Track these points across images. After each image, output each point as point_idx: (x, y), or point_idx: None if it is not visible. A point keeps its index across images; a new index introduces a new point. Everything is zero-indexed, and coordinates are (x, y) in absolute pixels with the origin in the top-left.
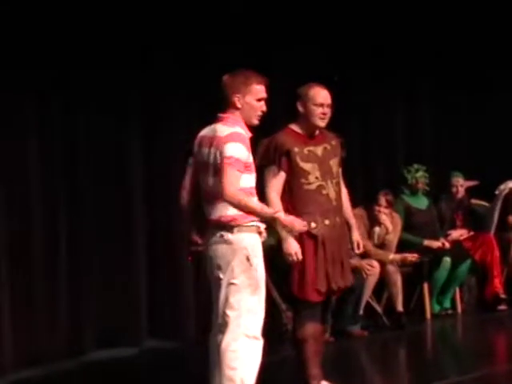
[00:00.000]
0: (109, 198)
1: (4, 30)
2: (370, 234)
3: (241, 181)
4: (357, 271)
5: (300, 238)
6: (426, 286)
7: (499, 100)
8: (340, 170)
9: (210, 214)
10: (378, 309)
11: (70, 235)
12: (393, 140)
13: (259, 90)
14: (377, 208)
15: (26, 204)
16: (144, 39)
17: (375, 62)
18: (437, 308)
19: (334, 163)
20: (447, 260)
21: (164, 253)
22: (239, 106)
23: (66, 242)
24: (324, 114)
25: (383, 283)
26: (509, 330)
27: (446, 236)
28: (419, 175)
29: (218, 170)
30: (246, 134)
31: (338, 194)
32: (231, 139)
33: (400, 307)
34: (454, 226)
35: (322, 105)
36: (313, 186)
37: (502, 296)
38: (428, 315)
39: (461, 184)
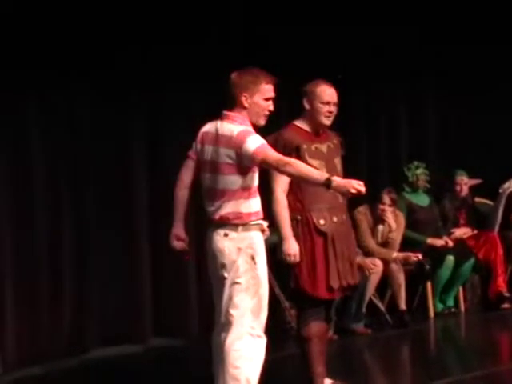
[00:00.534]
0: (113, 197)
1: (4, 30)
2: (373, 232)
3: (249, 180)
4: (360, 269)
5: (309, 235)
6: (429, 284)
7: (503, 98)
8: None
9: (213, 212)
10: (382, 307)
11: (74, 233)
12: (397, 138)
13: (268, 89)
14: (380, 206)
15: (29, 204)
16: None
17: (378, 61)
18: (440, 306)
19: (338, 161)
20: (450, 258)
21: (168, 251)
22: (246, 105)
23: (69, 240)
24: (330, 112)
25: (386, 281)
26: None
27: (449, 234)
28: (419, 172)
29: (219, 168)
30: None
31: None
32: (247, 133)
33: (403, 305)
34: (457, 225)
35: (328, 103)
36: None
37: (506, 294)
38: (431, 313)
39: (465, 182)
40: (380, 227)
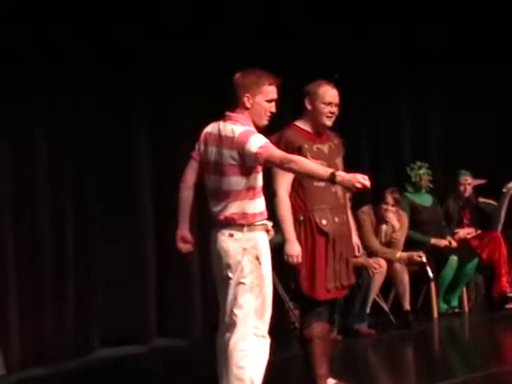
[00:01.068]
0: (117, 198)
1: (6, 30)
2: (377, 232)
3: (253, 180)
4: (364, 269)
5: (311, 234)
6: (433, 284)
7: (507, 98)
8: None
9: (217, 213)
10: (385, 307)
11: (78, 234)
12: (400, 138)
13: (270, 90)
14: (384, 206)
15: (33, 204)
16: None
17: (381, 60)
18: (444, 307)
19: (339, 162)
20: (454, 259)
21: (173, 252)
22: (248, 105)
23: (73, 241)
24: (332, 112)
25: (390, 281)
26: None
27: (453, 234)
28: (422, 172)
29: (223, 169)
30: None
31: (344, 192)
32: (249, 133)
33: (407, 306)
34: (461, 225)
35: (330, 103)
36: (322, 184)
37: (510, 294)
38: (435, 314)
39: (468, 182)
40: (383, 227)
